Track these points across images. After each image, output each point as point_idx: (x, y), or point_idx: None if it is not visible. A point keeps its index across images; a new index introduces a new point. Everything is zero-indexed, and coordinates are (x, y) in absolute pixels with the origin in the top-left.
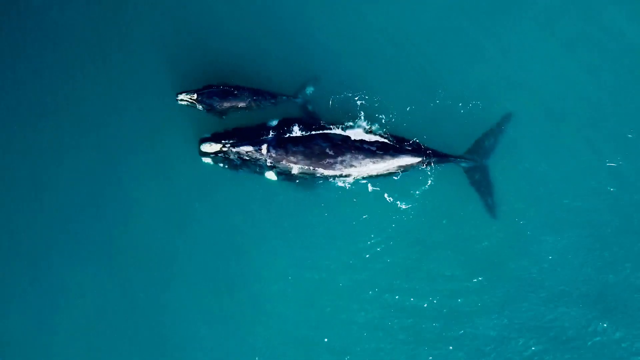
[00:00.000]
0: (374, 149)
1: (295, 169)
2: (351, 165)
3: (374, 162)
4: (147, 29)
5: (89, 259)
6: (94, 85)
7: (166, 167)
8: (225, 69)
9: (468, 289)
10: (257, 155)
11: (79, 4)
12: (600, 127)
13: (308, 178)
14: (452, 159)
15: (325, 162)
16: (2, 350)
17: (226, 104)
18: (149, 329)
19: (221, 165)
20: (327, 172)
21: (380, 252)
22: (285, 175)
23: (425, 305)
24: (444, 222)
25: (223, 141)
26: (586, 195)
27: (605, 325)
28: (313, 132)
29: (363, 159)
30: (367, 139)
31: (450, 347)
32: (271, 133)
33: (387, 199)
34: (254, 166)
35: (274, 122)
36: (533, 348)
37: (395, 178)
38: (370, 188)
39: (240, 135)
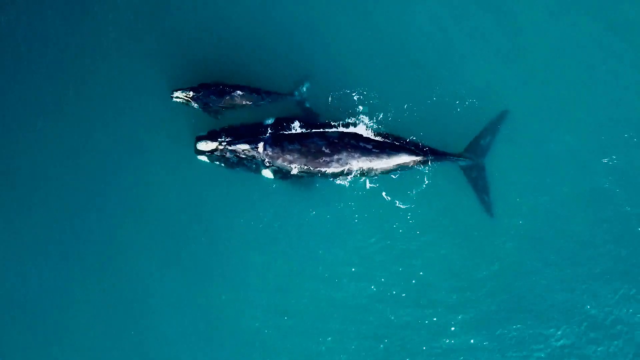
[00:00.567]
0: (370, 147)
1: (292, 168)
2: (347, 164)
3: (370, 161)
4: (143, 26)
5: (85, 257)
6: (88, 82)
7: (162, 165)
8: (222, 67)
9: (466, 288)
10: (254, 154)
11: (75, 1)
12: (597, 125)
13: (304, 176)
14: (450, 157)
15: (321, 161)
16: (2, 351)
17: (222, 102)
18: (145, 328)
19: (217, 163)
20: (323, 171)
21: (377, 251)
22: (281, 173)
23: (422, 307)
24: (441, 221)
25: (219, 139)
26: (584, 193)
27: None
28: (310, 130)
29: (359, 157)
30: (364, 137)
31: (447, 349)
32: (269, 131)
33: (385, 197)
34: (250, 164)
35: (270, 121)
36: (532, 346)
37: (394, 177)
38: (367, 185)
39: (237, 134)
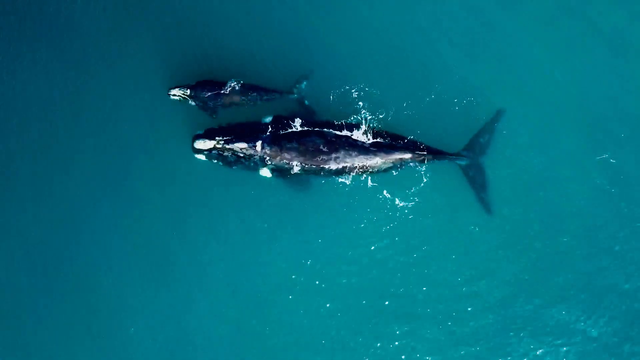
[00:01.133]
0: (367, 145)
1: (290, 166)
2: (345, 162)
3: (368, 159)
4: (141, 23)
5: (83, 256)
6: (85, 80)
7: (159, 164)
8: (220, 65)
9: (465, 288)
10: (251, 152)
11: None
12: (593, 124)
13: (303, 174)
14: (448, 156)
15: (319, 159)
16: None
17: (219, 100)
18: (144, 328)
19: (215, 162)
20: (321, 169)
21: (376, 251)
22: (279, 172)
23: (422, 305)
24: (440, 220)
25: (217, 138)
26: (582, 191)
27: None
28: (309, 129)
29: (357, 155)
30: (362, 136)
31: (446, 346)
32: (269, 129)
33: (386, 195)
34: (248, 163)
35: (268, 119)
36: (532, 346)
37: (395, 173)
38: (369, 184)
39: (234, 132)
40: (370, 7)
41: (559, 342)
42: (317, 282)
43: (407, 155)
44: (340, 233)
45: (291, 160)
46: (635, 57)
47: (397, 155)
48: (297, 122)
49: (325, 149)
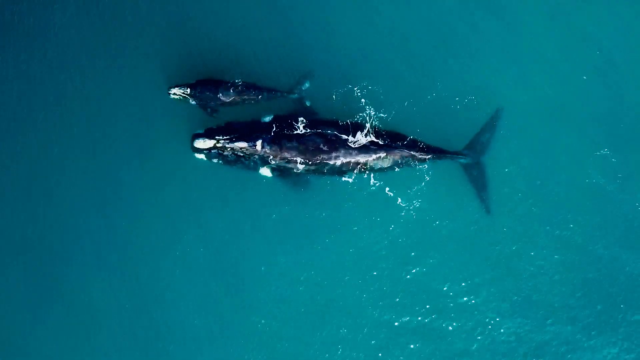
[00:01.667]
0: (368, 144)
1: (290, 165)
2: (345, 161)
3: (368, 157)
4: (140, 22)
5: (81, 256)
6: (85, 79)
7: (160, 163)
8: (220, 64)
9: (465, 288)
10: (252, 151)
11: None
12: (595, 122)
13: (303, 174)
14: (450, 155)
15: (319, 158)
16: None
17: (219, 99)
18: (145, 327)
19: (215, 161)
20: (321, 168)
21: (376, 251)
22: (279, 171)
23: (423, 304)
24: (441, 219)
25: (217, 137)
26: (583, 190)
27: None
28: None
29: (357, 154)
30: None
31: (447, 345)
32: (267, 128)
33: (388, 193)
34: (248, 162)
35: (268, 118)
36: (532, 345)
37: (397, 169)
38: (372, 182)
39: (234, 131)
40: (373, 5)
41: (560, 345)
42: (317, 282)
43: (408, 154)
44: (342, 232)
45: (291, 159)
46: (635, 55)
47: (398, 154)
48: (301, 123)
49: (325, 148)
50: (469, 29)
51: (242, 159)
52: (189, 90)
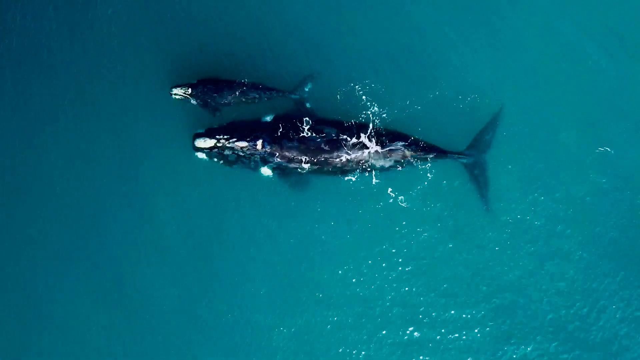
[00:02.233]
0: (369, 144)
1: (291, 165)
2: (347, 160)
3: (369, 157)
4: (142, 22)
5: (82, 254)
6: (87, 79)
7: (161, 163)
8: (222, 63)
9: (468, 289)
10: (252, 151)
11: None
12: (597, 122)
13: (304, 173)
14: (451, 155)
15: (320, 158)
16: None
17: (221, 99)
18: (142, 326)
19: (216, 160)
20: (322, 168)
21: (378, 251)
22: (280, 170)
23: (425, 306)
24: (443, 217)
25: (217, 136)
26: (585, 189)
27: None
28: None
29: (358, 154)
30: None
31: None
32: (268, 128)
33: (390, 194)
34: (249, 162)
35: (269, 118)
36: (532, 345)
37: (400, 168)
38: (374, 181)
39: (235, 131)
40: (375, 7)
41: (558, 344)
42: (319, 282)
43: (409, 154)
44: (343, 232)
45: (292, 159)
46: (636, 54)
47: (399, 154)
48: (306, 124)
49: (326, 148)
50: (473, 28)
51: (243, 159)
52: (190, 90)
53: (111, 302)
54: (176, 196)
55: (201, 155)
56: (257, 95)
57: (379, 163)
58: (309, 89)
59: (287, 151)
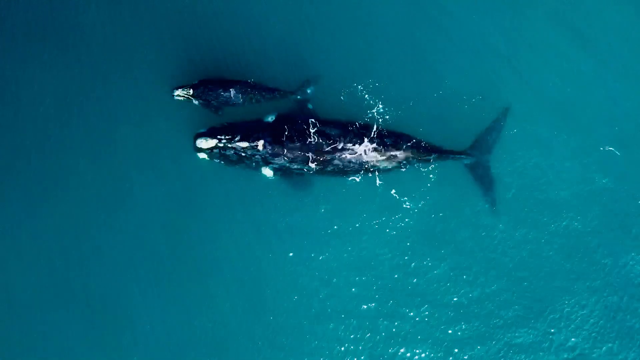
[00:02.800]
0: (373, 145)
1: (293, 165)
2: (348, 161)
3: (371, 158)
4: (143, 22)
5: (82, 257)
6: (88, 82)
7: (161, 163)
8: (223, 64)
9: (471, 291)
10: (253, 151)
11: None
12: (601, 123)
13: (305, 174)
14: (452, 155)
15: (322, 158)
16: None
17: (222, 99)
18: (143, 326)
19: (217, 161)
20: (324, 168)
21: (381, 252)
22: (281, 171)
23: (428, 305)
24: (446, 222)
25: (219, 137)
26: (589, 190)
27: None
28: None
29: (360, 155)
30: (367, 135)
31: (455, 350)
32: (269, 128)
33: (394, 195)
34: (250, 162)
35: (271, 118)
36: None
37: (403, 169)
38: (378, 182)
39: (237, 131)
40: (377, 7)
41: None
42: (320, 284)
43: (411, 155)
44: (345, 233)
45: (293, 159)
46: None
47: (401, 155)
48: (311, 125)
49: (328, 148)
50: (476, 28)
51: (244, 159)
52: (191, 91)
53: (111, 306)
54: (177, 197)
55: (202, 156)
56: (258, 96)
57: (382, 164)
58: (311, 89)
59: (288, 151)
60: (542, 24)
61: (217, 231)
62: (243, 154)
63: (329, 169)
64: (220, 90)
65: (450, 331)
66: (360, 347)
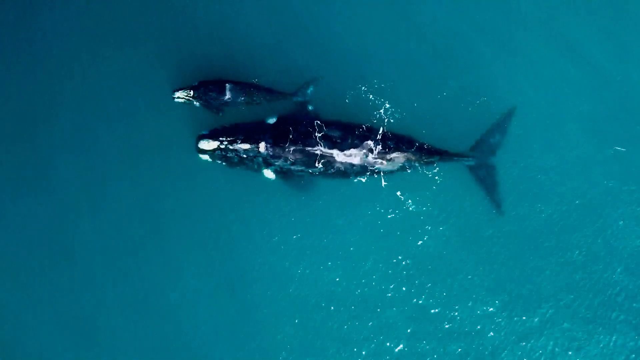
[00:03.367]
0: (374, 147)
1: (294, 167)
2: (350, 164)
3: (373, 160)
4: (144, 23)
5: (82, 256)
6: (88, 84)
7: (163, 163)
8: (224, 64)
9: (475, 292)
10: (255, 153)
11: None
12: (607, 123)
13: (307, 176)
14: (454, 157)
15: (324, 161)
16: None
17: (222, 100)
18: (144, 327)
19: (219, 162)
20: (325, 170)
21: (386, 254)
22: (283, 173)
23: (432, 308)
24: (452, 222)
25: (221, 138)
26: (593, 191)
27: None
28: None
29: (362, 156)
30: (369, 137)
31: (459, 350)
32: (271, 130)
33: (399, 196)
34: (252, 164)
35: (273, 119)
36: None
37: (409, 170)
38: (383, 184)
39: (238, 132)
40: (382, 7)
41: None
42: (320, 285)
43: (413, 157)
44: (351, 235)
45: (295, 161)
46: None
47: (403, 157)
48: (318, 129)
49: (330, 151)
50: (481, 29)
51: (246, 161)
52: (192, 92)
53: (111, 307)
54: (178, 197)
55: (204, 157)
56: (259, 97)
57: (384, 167)
58: (311, 91)
59: (290, 153)
60: (548, 25)
61: (217, 231)
62: (244, 156)
63: (330, 171)
64: (220, 91)
65: (447, 325)
66: (358, 347)
